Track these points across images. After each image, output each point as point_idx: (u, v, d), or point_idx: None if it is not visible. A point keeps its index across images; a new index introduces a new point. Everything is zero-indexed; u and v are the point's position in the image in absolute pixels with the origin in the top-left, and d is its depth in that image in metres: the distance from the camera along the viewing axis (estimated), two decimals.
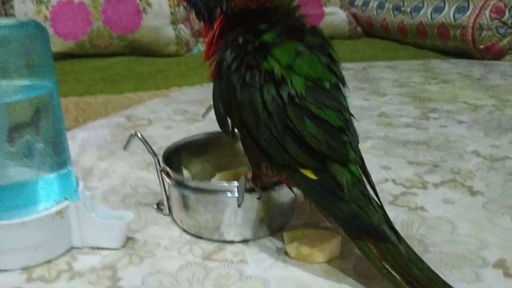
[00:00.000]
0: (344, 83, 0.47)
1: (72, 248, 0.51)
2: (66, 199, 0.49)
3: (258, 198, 0.51)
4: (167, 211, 0.57)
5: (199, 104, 1.06)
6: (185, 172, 0.60)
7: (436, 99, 1.09)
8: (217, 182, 0.58)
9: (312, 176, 0.43)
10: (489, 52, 2.10)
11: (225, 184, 0.51)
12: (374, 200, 0.45)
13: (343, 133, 0.44)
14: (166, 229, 0.55)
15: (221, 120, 0.47)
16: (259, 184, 0.50)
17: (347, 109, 0.46)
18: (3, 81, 0.45)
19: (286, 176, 0.46)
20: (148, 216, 0.58)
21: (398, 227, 0.54)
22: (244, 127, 0.45)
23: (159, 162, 0.55)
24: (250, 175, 0.51)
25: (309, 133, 0.43)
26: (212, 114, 0.67)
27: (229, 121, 0.47)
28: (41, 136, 0.48)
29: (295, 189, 0.51)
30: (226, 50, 0.45)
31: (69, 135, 0.86)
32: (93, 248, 0.51)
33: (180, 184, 0.53)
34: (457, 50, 2.17)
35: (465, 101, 1.07)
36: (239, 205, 0.50)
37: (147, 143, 0.55)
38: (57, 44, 2.04)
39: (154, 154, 0.55)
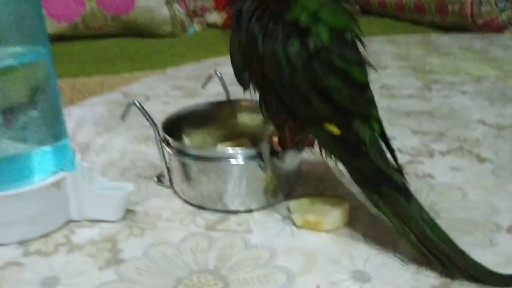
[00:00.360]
0: (361, 38, 0.45)
1: (70, 221, 0.49)
2: (62, 170, 0.47)
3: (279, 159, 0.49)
4: (168, 183, 0.55)
5: (197, 79, 1.03)
6: (186, 140, 0.58)
7: (438, 71, 1.06)
8: (219, 149, 0.56)
9: (336, 130, 0.42)
10: (488, 27, 2.07)
11: (228, 150, 0.49)
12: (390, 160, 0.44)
13: (366, 89, 0.43)
14: (167, 200, 0.53)
15: (238, 74, 0.45)
16: (286, 147, 0.49)
17: (367, 64, 0.45)
18: None
19: (309, 132, 0.45)
20: (149, 189, 0.56)
21: None
22: (266, 81, 0.43)
23: (158, 131, 0.53)
24: (275, 138, 0.48)
25: (334, 87, 0.41)
26: (209, 86, 0.65)
27: (247, 75, 0.45)
28: (35, 106, 0.46)
29: (314, 151, 0.48)
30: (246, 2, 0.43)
31: (64, 111, 0.84)
32: (91, 221, 0.49)
33: (181, 152, 0.51)
34: (456, 26, 2.14)
35: (467, 72, 1.05)
36: (263, 170, 0.48)
37: (146, 111, 0.53)
38: (50, 26, 2.00)
39: (153, 123, 0.53)
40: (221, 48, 1.98)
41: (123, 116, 0.53)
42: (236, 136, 0.62)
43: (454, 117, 0.78)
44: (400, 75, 1.04)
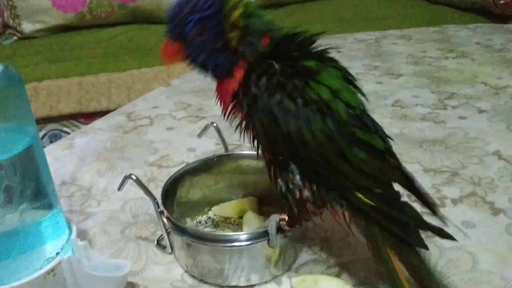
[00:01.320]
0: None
1: None
2: (57, 254, 0.46)
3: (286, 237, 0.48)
4: (169, 249, 0.54)
5: (202, 95, 1.00)
6: (188, 220, 0.56)
7: (454, 79, 1.02)
8: (219, 232, 0.55)
9: (367, 200, 0.43)
10: (509, 7, 1.97)
11: (229, 234, 0.48)
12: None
13: (387, 155, 0.45)
14: (168, 270, 0.52)
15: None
16: (296, 225, 0.48)
17: (382, 131, 0.47)
18: None
19: (339, 206, 0.45)
20: (149, 253, 0.55)
21: None
22: (296, 158, 0.44)
23: (158, 204, 0.51)
24: (283, 215, 0.47)
25: (360, 159, 0.43)
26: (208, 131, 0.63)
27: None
28: (21, 190, 0.44)
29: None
30: (260, 81, 0.43)
31: (68, 141, 0.83)
32: None
33: (181, 230, 0.49)
34: (475, 6, 2.05)
35: (485, 81, 1.00)
36: (272, 247, 0.47)
37: (143, 185, 0.51)
38: (56, 17, 1.96)
39: (151, 195, 0.51)
40: None
41: (120, 187, 0.51)
42: (234, 191, 0.60)
43: (469, 147, 0.74)
44: (414, 86, 0.99)
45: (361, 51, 1.24)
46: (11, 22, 1.94)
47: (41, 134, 1.50)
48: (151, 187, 0.68)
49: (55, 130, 1.50)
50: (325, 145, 0.42)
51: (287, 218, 0.47)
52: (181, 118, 0.90)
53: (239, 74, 0.45)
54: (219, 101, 0.48)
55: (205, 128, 0.62)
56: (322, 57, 0.46)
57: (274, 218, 0.47)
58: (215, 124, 0.61)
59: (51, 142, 1.51)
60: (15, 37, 1.96)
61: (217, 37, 0.44)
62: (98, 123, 0.90)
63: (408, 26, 1.50)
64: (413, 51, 1.22)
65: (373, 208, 0.43)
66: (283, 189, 0.46)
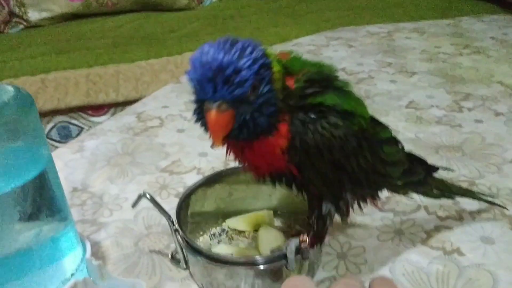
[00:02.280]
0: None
1: None
2: (72, 275, 0.46)
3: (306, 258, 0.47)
4: (184, 265, 0.53)
5: None
6: (202, 240, 0.55)
7: (470, 78, 1.00)
8: (234, 255, 0.53)
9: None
10: None
11: (245, 257, 0.47)
12: None
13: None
14: (182, 285, 0.52)
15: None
16: (318, 243, 0.48)
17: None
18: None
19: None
20: (163, 268, 0.54)
21: (433, 280, 0.50)
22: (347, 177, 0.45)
23: (172, 222, 0.50)
24: (302, 237, 0.46)
25: (390, 154, 0.49)
26: None
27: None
28: (38, 211, 0.44)
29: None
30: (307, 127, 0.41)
31: (78, 144, 0.82)
32: None
33: (196, 251, 0.49)
34: None
35: (501, 81, 0.98)
36: (290, 270, 0.46)
37: (157, 204, 0.50)
38: (63, 6, 1.94)
39: (166, 214, 0.50)
40: (238, 22, 1.90)
41: (134, 205, 0.51)
42: (248, 202, 0.60)
43: (486, 154, 0.73)
44: (428, 86, 0.97)
45: (374, 46, 1.22)
46: (17, 10, 1.92)
47: (49, 126, 1.49)
48: (163, 195, 0.67)
49: (63, 123, 1.50)
50: (373, 160, 0.46)
51: (307, 238, 0.46)
52: (191, 119, 0.89)
53: (284, 128, 0.41)
54: (250, 165, 0.44)
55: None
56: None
57: (294, 242, 0.46)
58: None
59: (59, 134, 1.50)
60: (21, 26, 1.94)
61: (269, 93, 0.38)
62: (108, 123, 0.89)
63: (421, 16, 1.47)
64: (426, 46, 1.20)
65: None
66: (324, 211, 0.46)
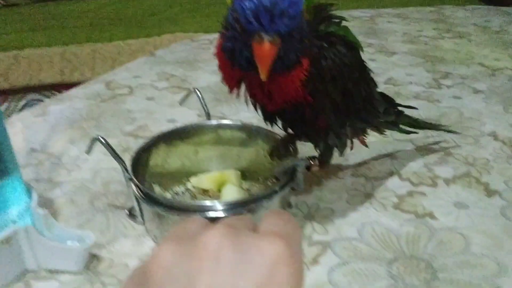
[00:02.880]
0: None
1: (26, 271, 0.44)
2: (14, 223, 0.42)
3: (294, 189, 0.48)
4: (141, 219, 0.50)
5: (187, 65, 0.96)
6: (156, 189, 0.52)
7: (450, 59, 0.98)
8: (190, 200, 0.51)
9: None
10: None
11: (200, 203, 0.44)
12: None
13: None
14: (137, 243, 0.48)
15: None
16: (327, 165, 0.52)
17: None
18: None
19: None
20: (118, 225, 0.51)
21: (402, 243, 0.48)
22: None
23: (126, 169, 0.47)
24: (314, 161, 0.50)
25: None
26: (191, 98, 0.59)
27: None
28: None
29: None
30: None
31: (41, 108, 0.78)
32: (51, 271, 0.44)
33: (151, 199, 0.45)
34: None
35: (481, 62, 0.96)
36: (300, 190, 0.48)
37: (111, 148, 0.47)
38: None
39: (121, 160, 0.47)
40: (219, 8, 1.87)
41: (88, 151, 0.47)
42: (216, 161, 0.56)
43: (464, 128, 0.71)
44: (408, 65, 0.95)
45: (355, 28, 1.19)
46: None
47: (21, 104, 1.44)
48: (125, 157, 0.63)
49: (35, 100, 1.45)
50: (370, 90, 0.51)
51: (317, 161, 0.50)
52: (163, 88, 0.86)
53: (305, 62, 0.42)
54: (266, 99, 0.44)
55: (187, 94, 0.57)
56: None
57: (304, 161, 0.47)
58: (198, 91, 0.56)
59: None
60: None
61: (304, 28, 0.40)
62: (75, 91, 0.85)
63: (404, 4, 1.45)
64: (408, 29, 1.18)
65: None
66: (331, 142, 0.49)
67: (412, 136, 0.68)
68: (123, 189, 0.57)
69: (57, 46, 1.49)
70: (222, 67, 0.44)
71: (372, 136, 0.68)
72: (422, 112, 0.75)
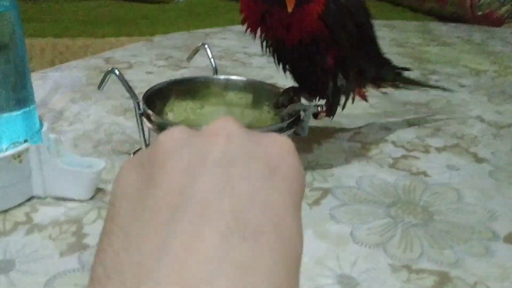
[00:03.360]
0: None
1: (33, 197, 0.45)
2: (26, 141, 0.43)
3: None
4: None
5: (185, 49, 0.98)
6: (170, 116, 0.53)
7: (437, 61, 1.03)
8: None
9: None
10: (487, 19, 2.03)
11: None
12: None
13: None
14: None
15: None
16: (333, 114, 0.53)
17: None
18: None
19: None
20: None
21: (399, 191, 0.50)
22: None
23: (138, 104, 0.48)
24: (321, 108, 0.51)
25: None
26: (196, 59, 0.61)
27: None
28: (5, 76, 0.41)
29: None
30: None
31: (40, 74, 0.79)
32: (57, 198, 0.45)
33: (163, 129, 0.46)
34: (454, 15, 2.10)
35: (466, 65, 1.01)
36: (303, 135, 0.50)
37: (126, 81, 0.48)
38: None
39: (134, 94, 0.48)
40: (211, 18, 1.91)
41: (101, 85, 0.48)
42: (221, 114, 0.58)
43: (452, 111, 0.74)
44: (396, 62, 0.99)
45: None
46: None
47: None
48: (128, 115, 0.64)
49: None
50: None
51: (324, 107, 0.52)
52: (162, 66, 0.87)
53: None
54: (283, 32, 0.47)
55: (196, 50, 0.59)
56: None
57: (312, 107, 0.50)
58: (206, 45, 0.58)
59: None
60: None
61: None
62: (74, 63, 0.86)
63: (392, 18, 1.52)
64: (396, 37, 1.23)
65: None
66: (339, 83, 0.50)
67: (405, 113, 0.72)
68: (126, 139, 0.58)
69: (49, 37, 1.49)
70: (245, 5, 0.47)
71: (365, 108, 0.71)
72: (411, 97, 0.79)
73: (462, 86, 0.87)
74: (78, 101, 0.68)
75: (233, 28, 1.22)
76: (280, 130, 0.47)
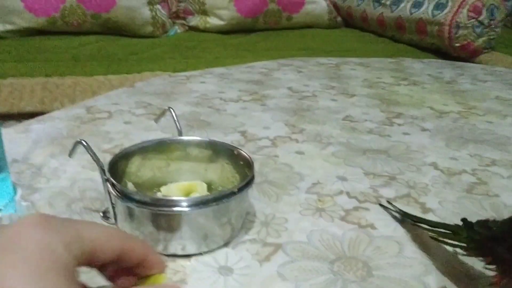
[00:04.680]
0: None
1: None
2: (0, 210, 0.47)
3: None
4: (113, 220, 0.55)
5: (164, 96, 1.03)
6: (130, 185, 0.58)
7: (404, 102, 1.08)
8: (161, 195, 0.57)
9: None
10: (464, 50, 2.11)
11: (169, 198, 0.50)
12: None
13: None
14: None
15: None
16: None
17: None
18: None
19: None
20: None
21: (345, 247, 0.54)
22: None
23: (104, 171, 0.53)
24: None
25: None
26: (165, 119, 0.66)
27: None
28: None
29: None
30: None
31: (22, 127, 0.84)
32: None
33: (124, 196, 0.51)
34: (433, 46, 2.18)
35: (431, 106, 1.07)
36: None
37: (92, 151, 0.53)
38: (28, 20, 1.97)
39: (100, 165, 0.53)
40: (199, 51, 1.97)
41: (71, 153, 0.53)
42: (184, 173, 0.63)
43: (409, 158, 0.79)
44: (365, 105, 1.05)
45: (321, 73, 1.31)
46: None
47: None
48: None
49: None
50: None
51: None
52: (140, 114, 0.93)
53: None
54: None
55: (163, 112, 0.64)
56: None
57: None
58: (172, 109, 0.63)
59: None
60: None
61: None
62: (57, 113, 0.92)
63: (368, 55, 1.58)
64: (369, 76, 1.29)
65: None
66: None
67: (363, 162, 0.77)
68: (98, 195, 0.62)
69: (40, 77, 1.55)
70: None
71: (327, 157, 0.76)
72: (373, 144, 0.84)
73: (424, 130, 0.92)
74: (57, 156, 0.73)
75: (214, 71, 1.28)
76: (234, 193, 0.52)
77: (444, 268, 0.52)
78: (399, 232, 0.58)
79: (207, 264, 0.51)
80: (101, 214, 0.58)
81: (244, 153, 0.60)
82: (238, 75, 1.25)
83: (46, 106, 1.51)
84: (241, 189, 0.52)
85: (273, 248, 0.54)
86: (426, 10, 2.12)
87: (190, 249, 0.51)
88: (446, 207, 0.64)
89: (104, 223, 0.56)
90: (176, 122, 0.63)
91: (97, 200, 0.61)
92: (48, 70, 1.61)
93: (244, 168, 0.59)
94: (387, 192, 0.68)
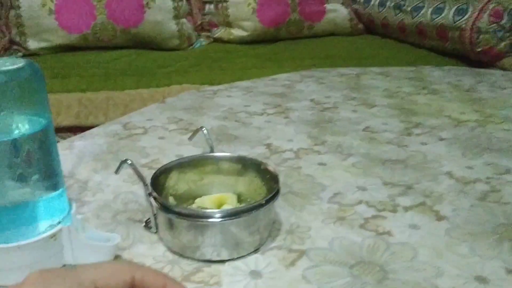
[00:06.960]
0: None
1: (64, 265, 0.56)
2: (59, 223, 0.54)
3: None
4: (155, 229, 0.62)
5: (194, 111, 1.10)
6: (171, 199, 0.65)
7: (422, 112, 1.13)
8: (196, 207, 0.64)
9: None
10: (486, 55, 2.13)
11: (205, 210, 0.57)
12: None
13: None
14: (151, 248, 0.60)
15: None
16: None
17: None
18: (5, 120, 0.50)
19: None
20: (136, 234, 0.63)
21: (363, 252, 0.60)
22: None
23: (147, 186, 0.60)
24: None
25: None
26: (197, 137, 0.73)
27: None
28: (35, 167, 0.53)
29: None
30: None
31: (67, 144, 0.92)
32: None
33: (165, 208, 0.58)
34: (455, 52, 2.20)
35: (449, 115, 1.11)
36: None
37: (137, 169, 0.59)
38: (61, 37, 2.08)
39: (144, 181, 0.60)
40: (224, 63, 2.04)
41: (117, 170, 0.60)
42: (216, 186, 0.69)
43: (426, 167, 0.84)
44: (385, 115, 1.10)
45: (342, 84, 1.36)
46: (18, 38, 2.05)
47: None
48: (141, 184, 0.76)
49: None
50: None
51: None
52: (172, 130, 1.00)
53: None
54: None
55: (196, 131, 0.71)
56: None
57: None
58: (204, 129, 0.70)
59: None
60: (20, 54, 2.07)
61: None
62: (96, 130, 0.99)
63: (389, 64, 1.62)
64: (389, 86, 1.34)
65: None
66: None
67: (382, 172, 0.82)
68: (139, 207, 0.69)
69: (75, 92, 1.65)
70: None
71: (347, 167, 0.82)
72: (391, 154, 0.89)
73: (441, 139, 0.97)
74: (100, 171, 0.81)
75: (239, 84, 1.34)
76: (262, 205, 0.58)
77: (455, 271, 0.57)
78: (414, 238, 0.63)
79: (239, 268, 0.57)
80: (144, 224, 0.64)
81: (270, 167, 0.66)
82: (262, 88, 1.32)
83: (81, 120, 1.60)
84: (268, 201, 0.58)
85: (298, 254, 0.60)
86: (447, 16, 2.15)
87: (224, 255, 0.57)
88: (460, 215, 0.69)
89: (147, 232, 0.63)
90: (209, 139, 0.70)
91: (139, 212, 0.68)
92: (82, 85, 1.70)
93: (270, 181, 0.65)
94: (404, 201, 0.72)
